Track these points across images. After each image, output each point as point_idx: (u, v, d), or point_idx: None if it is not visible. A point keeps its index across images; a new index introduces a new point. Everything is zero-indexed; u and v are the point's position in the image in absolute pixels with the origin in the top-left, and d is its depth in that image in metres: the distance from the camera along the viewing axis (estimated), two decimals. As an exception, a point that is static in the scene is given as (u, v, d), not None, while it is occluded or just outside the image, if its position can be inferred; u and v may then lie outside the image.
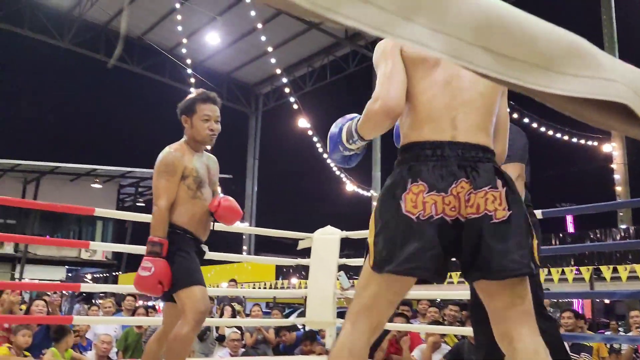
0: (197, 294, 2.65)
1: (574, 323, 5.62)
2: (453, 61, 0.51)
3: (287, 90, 17.29)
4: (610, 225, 12.71)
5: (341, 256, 4.88)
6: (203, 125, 2.84)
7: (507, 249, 1.54)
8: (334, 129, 2.00)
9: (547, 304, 4.91)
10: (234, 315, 6.98)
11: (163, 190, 2.75)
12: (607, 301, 16.69)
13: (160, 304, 10.33)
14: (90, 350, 5.78)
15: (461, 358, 4.93)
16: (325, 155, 17.85)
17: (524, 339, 1.56)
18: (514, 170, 2.64)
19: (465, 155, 1.59)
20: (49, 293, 7.13)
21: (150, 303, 8.48)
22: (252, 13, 14.84)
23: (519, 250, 1.55)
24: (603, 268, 11.02)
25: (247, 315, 8.09)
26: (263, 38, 15.76)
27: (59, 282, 20.96)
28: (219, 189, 3.10)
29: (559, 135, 17.02)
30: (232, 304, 7.45)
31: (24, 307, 6.39)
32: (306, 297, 5.11)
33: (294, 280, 15.33)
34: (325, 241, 4.87)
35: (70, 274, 25.25)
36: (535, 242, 1.62)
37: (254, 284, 15.76)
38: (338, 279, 4.76)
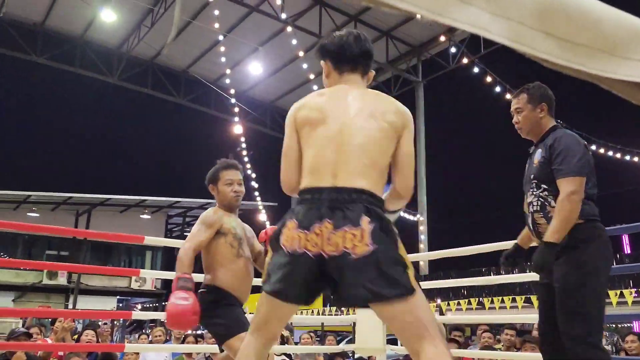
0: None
1: (639, 347, 5.34)
2: (513, 46, 0.48)
3: (329, 116, 17.35)
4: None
5: (389, 280, 4.80)
6: (227, 190, 3.11)
7: (364, 280, 1.75)
8: None
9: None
10: (282, 343, 6.93)
11: (194, 236, 2.95)
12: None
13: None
14: (141, 378, 5.81)
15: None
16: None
17: (427, 352, 1.75)
18: (568, 186, 2.53)
19: (339, 198, 1.82)
20: (100, 323, 7.24)
21: (199, 332, 8.53)
22: (294, 42, 15.04)
23: (379, 280, 1.74)
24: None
25: (296, 343, 8.01)
26: (305, 66, 15.93)
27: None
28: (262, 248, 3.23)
29: (611, 153, 16.52)
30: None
31: (75, 337, 6.50)
32: (355, 323, 5.03)
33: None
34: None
35: (121, 304, 25.69)
36: (410, 271, 1.81)
37: (302, 311, 15.69)
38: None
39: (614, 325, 15.93)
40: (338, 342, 11.54)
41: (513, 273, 4.92)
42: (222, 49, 15.53)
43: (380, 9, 0.46)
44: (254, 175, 17.23)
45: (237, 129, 16.22)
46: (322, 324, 15.13)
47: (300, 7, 15.60)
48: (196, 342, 6.82)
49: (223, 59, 15.96)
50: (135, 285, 23.88)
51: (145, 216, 24.41)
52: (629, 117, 18.52)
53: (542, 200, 2.70)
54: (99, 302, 22.49)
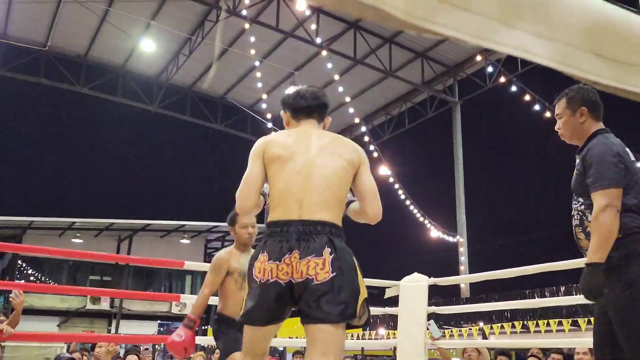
0: (237, 358, 3.19)
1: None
2: (560, 69, 0.46)
3: (366, 139, 17.36)
4: None
5: (430, 304, 4.73)
6: (242, 232, 3.57)
7: (322, 303, 2.01)
8: None
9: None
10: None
11: (209, 283, 3.49)
12: None
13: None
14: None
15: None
16: (408, 202, 17.65)
17: None
18: (602, 199, 2.37)
19: (305, 230, 2.08)
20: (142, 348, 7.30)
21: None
22: (329, 65, 15.16)
23: (332, 304, 2.01)
24: None
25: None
26: (340, 89, 16.02)
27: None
28: None
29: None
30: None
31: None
32: (395, 347, 4.95)
33: (382, 331, 14.98)
34: (412, 289, 4.74)
35: (162, 328, 25.90)
36: (361, 298, 2.11)
37: (341, 336, 15.51)
38: (428, 328, 4.59)
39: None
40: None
41: (558, 295, 4.79)
42: (258, 74, 15.77)
43: (423, 35, 0.45)
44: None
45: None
46: (362, 349, 14.94)
47: (335, 31, 15.73)
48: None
49: (259, 84, 16.20)
50: (175, 310, 24.08)
51: (184, 241, 24.70)
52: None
53: (580, 214, 2.56)
54: (141, 326, 22.74)
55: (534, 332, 11.29)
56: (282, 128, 2.56)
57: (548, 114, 14.86)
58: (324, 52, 15.24)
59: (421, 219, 17.92)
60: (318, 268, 2.03)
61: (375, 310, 6.31)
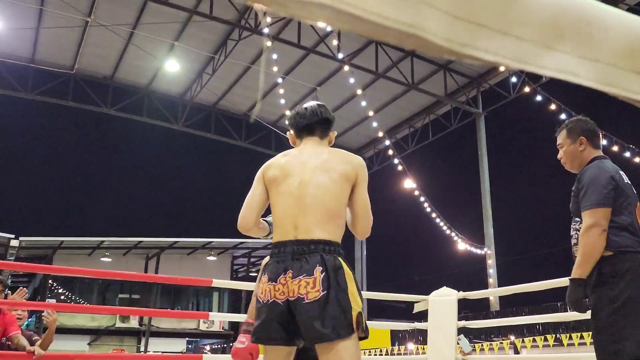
0: None
1: None
2: (604, 89, 0.46)
3: (390, 152, 17.32)
4: None
5: (460, 318, 4.67)
6: None
7: (314, 322, 2.06)
8: None
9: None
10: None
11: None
12: None
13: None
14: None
15: None
16: (434, 215, 17.52)
17: None
18: (588, 218, 2.54)
19: (299, 250, 2.15)
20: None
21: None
22: (351, 80, 15.20)
23: (324, 322, 2.05)
24: None
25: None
26: (363, 103, 16.04)
27: (180, 353, 21.60)
28: None
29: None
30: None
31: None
32: (426, 363, 4.89)
33: (411, 346, 14.82)
34: (442, 303, 4.69)
35: (190, 346, 25.99)
36: (354, 313, 2.11)
37: (369, 351, 15.40)
38: (458, 343, 4.53)
39: None
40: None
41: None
42: (281, 91, 15.87)
43: (463, 60, 0.45)
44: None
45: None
46: (392, 364, 14.78)
47: (356, 45, 15.79)
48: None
49: (282, 101, 16.29)
50: (203, 327, 24.17)
51: (211, 258, 24.84)
52: None
53: (577, 233, 2.75)
54: (169, 344, 22.86)
55: (568, 345, 11.06)
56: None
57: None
58: (346, 67, 15.29)
59: (448, 231, 17.76)
60: (309, 287, 2.09)
61: (404, 325, 6.25)
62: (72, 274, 20.23)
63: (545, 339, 11.52)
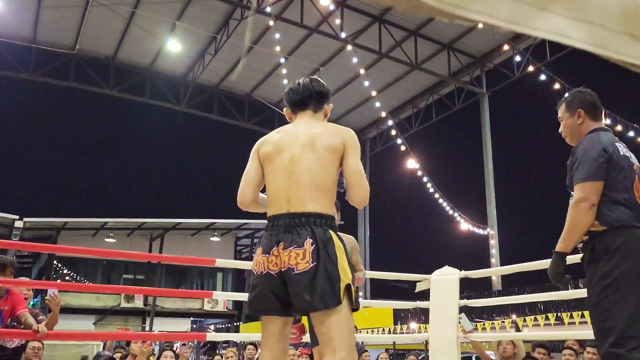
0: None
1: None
2: (596, 51, 0.45)
3: (393, 132, 17.28)
4: None
5: (461, 297, 4.69)
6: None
7: (303, 292, 2.12)
8: None
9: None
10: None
11: None
12: None
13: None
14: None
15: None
16: (437, 195, 17.52)
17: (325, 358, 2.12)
18: (577, 192, 2.50)
19: (291, 222, 2.21)
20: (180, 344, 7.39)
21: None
22: (354, 60, 15.11)
23: (313, 293, 2.11)
24: None
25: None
26: (366, 83, 15.96)
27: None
28: (360, 264, 3.82)
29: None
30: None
31: (152, 358, 6.66)
32: (427, 341, 4.92)
33: (413, 325, 14.93)
34: (444, 282, 4.71)
35: (194, 325, 26.22)
36: (342, 284, 2.14)
37: (372, 329, 15.52)
38: (459, 322, 4.55)
39: None
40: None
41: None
42: (284, 71, 15.79)
43: (454, 22, 0.44)
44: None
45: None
46: (394, 342, 14.91)
47: (360, 25, 15.68)
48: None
49: (285, 81, 16.20)
50: (207, 307, 24.35)
51: (215, 238, 24.95)
52: None
53: None
54: (174, 323, 23.06)
55: (569, 324, 11.12)
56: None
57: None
58: (349, 47, 15.19)
59: (451, 212, 17.78)
60: (299, 258, 2.14)
61: (406, 304, 6.27)
62: (77, 253, 20.34)
63: (547, 318, 11.58)
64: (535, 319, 11.83)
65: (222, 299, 24.58)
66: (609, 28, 0.45)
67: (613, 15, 0.45)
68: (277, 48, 14.63)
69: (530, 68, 16.26)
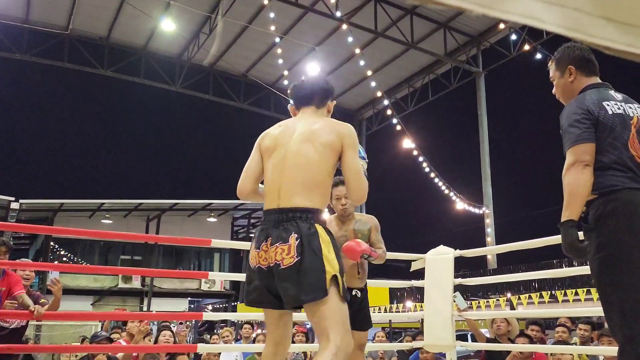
0: None
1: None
2: (570, 34, 0.46)
3: (389, 112, 17.24)
4: None
5: (456, 276, 4.73)
6: (337, 203, 3.76)
7: (290, 286, 2.19)
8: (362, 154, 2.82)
9: None
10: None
11: None
12: None
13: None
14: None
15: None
16: (433, 175, 17.56)
17: (319, 349, 2.17)
18: (567, 158, 2.28)
19: (279, 218, 2.27)
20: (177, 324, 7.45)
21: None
22: (350, 39, 15.01)
23: (299, 286, 2.17)
24: None
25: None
26: (362, 63, 15.87)
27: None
28: (379, 243, 3.91)
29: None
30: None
31: (150, 338, 6.71)
32: (422, 320, 4.97)
33: (409, 304, 15.06)
34: (438, 261, 4.75)
35: (192, 305, 26.38)
36: (328, 276, 2.18)
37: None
38: (454, 300, 4.60)
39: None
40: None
41: (586, 264, 4.73)
42: (279, 51, 15.69)
43: (428, 6, 0.45)
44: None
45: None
46: (390, 321, 15.05)
47: (355, 3, 15.55)
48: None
49: (280, 61, 16.11)
50: (205, 287, 24.46)
51: (211, 219, 24.97)
52: None
53: None
54: (171, 304, 23.18)
55: (562, 301, 11.24)
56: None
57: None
58: (345, 26, 15.09)
59: (446, 191, 17.83)
60: (284, 254, 2.20)
61: (401, 284, 6.32)
62: (74, 235, 20.37)
63: (541, 296, 11.70)
64: (530, 297, 11.94)
65: (219, 279, 24.71)
66: (583, 11, 0.45)
67: (587, -2, 0.45)
68: (272, 27, 14.51)
69: (527, 47, 16.20)
